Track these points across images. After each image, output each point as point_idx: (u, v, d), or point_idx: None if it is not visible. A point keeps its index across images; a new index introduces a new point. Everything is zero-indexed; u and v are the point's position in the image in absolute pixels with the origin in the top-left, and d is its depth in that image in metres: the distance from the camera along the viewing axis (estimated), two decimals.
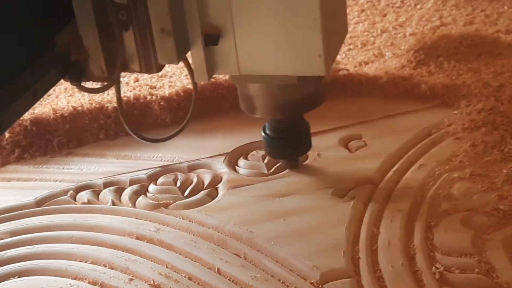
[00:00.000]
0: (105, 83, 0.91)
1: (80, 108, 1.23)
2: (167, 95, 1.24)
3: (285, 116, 1.03)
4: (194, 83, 1.07)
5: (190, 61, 0.94)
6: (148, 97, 1.24)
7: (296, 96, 0.99)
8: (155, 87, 1.28)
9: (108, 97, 1.25)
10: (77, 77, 0.89)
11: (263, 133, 1.07)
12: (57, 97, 1.29)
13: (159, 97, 1.24)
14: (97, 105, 1.23)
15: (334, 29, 0.91)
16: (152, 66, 0.89)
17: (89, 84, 0.92)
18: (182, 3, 0.86)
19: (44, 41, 0.86)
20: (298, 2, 0.84)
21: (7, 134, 1.21)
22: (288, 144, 1.07)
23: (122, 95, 1.24)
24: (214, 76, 0.94)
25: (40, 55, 0.85)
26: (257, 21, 0.86)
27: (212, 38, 0.87)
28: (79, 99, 1.27)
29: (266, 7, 0.85)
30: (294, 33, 0.85)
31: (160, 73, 1.32)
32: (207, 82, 0.93)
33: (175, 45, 0.87)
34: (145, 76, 1.31)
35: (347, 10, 1.53)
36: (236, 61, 0.89)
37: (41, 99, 1.27)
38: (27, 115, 1.22)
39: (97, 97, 1.26)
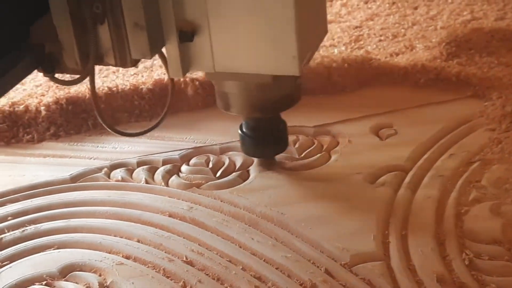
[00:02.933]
0: (79, 76, 0.90)
1: (115, 88, 1.25)
2: (201, 79, 1.26)
3: (261, 115, 1.02)
4: (172, 80, 1.05)
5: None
6: (182, 80, 1.26)
7: (272, 95, 0.99)
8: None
9: (142, 79, 1.27)
10: (51, 69, 0.89)
11: (239, 131, 1.07)
12: None
13: (193, 80, 1.25)
14: (131, 87, 1.25)
15: (310, 29, 0.90)
16: (126, 60, 0.89)
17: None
18: None
19: (18, 33, 0.86)
20: (273, 2, 0.83)
21: (43, 112, 1.23)
22: (263, 143, 1.07)
23: (156, 77, 1.27)
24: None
25: (14, 46, 0.85)
26: (233, 19, 0.86)
27: (187, 35, 0.87)
28: (114, 80, 1.29)
29: (242, 5, 0.85)
30: (269, 32, 0.85)
31: None
32: (181, 78, 0.92)
33: (148, 40, 0.86)
34: None
35: (379, 2, 1.56)
36: (211, 58, 0.89)
37: None
38: (63, 94, 1.25)
39: (131, 79, 1.28)
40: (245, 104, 1.00)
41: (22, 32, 0.85)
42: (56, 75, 0.90)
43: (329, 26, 1.50)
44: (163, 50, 0.91)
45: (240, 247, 0.95)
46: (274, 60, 0.86)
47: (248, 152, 1.08)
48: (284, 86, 0.98)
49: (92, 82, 0.94)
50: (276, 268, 0.91)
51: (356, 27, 1.48)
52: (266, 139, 1.06)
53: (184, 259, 0.94)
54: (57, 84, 0.94)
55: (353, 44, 1.40)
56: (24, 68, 0.85)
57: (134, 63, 0.90)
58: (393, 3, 1.58)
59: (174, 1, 0.85)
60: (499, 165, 1.04)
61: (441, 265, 0.89)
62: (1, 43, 0.81)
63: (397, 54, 1.35)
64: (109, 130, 1.01)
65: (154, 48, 0.87)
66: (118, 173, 1.12)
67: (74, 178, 1.12)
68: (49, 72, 0.88)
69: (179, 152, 1.15)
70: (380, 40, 1.42)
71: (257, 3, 0.84)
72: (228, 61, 0.88)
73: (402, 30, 1.46)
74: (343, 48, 1.37)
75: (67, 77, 0.94)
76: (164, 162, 1.14)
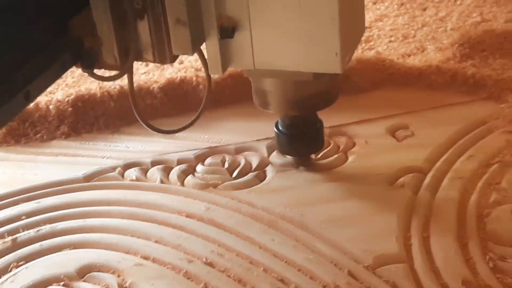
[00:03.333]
0: (118, 72, 0.89)
1: (126, 87, 1.23)
2: (214, 78, 1.24)
3: (298, 113, 1.02)
4: (208, 76, 1.04)
5: (204, 52, 0.92)
6: (194, 78, 1.25)
7: (310, 93, 0.99)
8: (200, 69, 1.28)
9: (154, 78, 1.26)
10: (89, 64, 0.87)
11: (275, 129, 1.06)
12: None
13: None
14: (143, 85, 1.24)
15: (351, 27, 0.90)
16: (166, 56, 0.88)
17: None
18: None
19: (57, 27, 0.84)
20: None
21: (53, 110, 1.21)
22: (299, 141, 1.06)
23: (168, 76, 1.26)
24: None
25: (53, 41, 0.83)
26: (274, 15, 0.85)
27: (227, 31, 0.86)
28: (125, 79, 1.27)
29: (284, 1, 0.84)
30: (311, 29, 0.84)
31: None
32: (221, 75, 0.91)
33: (190, 36, 0.85)
34: (190, 58, 1.32)
35: (388, 3, 1.56)
36: (251, 55, 0.88)
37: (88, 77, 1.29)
38: (73, 92, 1.23)
39: (143, 77, 1.27)
40: (283, 101, 0.99)
41: (61, 27, 0.84)
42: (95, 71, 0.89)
43: None
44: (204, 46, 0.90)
45: (261, 248, 0.94)
46: (316, 57, 0.85)
47: (283, 150, 1.07)
48: (323, 84, 0.97)
49: (131, 78, 0.94)
50: (298, 270, 0.90)
51: (366, 27, 1.47)
52: (302, 138, 1.05)
53: (204, 260, 0.93)
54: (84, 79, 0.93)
55: (363, 44, 1.39)
56: (63, 64, 0.84)
57: (173, 60, 0.89)
58: (402, 4, 1.58)
59: None
60: None
61: (465, 268, 0.88)
62: (40, 39, 0.80)
63: (408, 55, 1.34)
64: (146, 127, 1.00)
65: (195, 44, 0.86)
66: (132, 173, 1.11)
67: (88, 177, 1.10)
68: (87, 68, 0.87)
69: (194, 151, 1.14)
70: (390, 41, 1.41)
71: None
72: (269, 58, 0.87)
73: (412, 31, 1.45)
74: None
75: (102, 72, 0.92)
76: (179, 162, 1.12)
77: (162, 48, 0.87)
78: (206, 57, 0.90)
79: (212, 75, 1.01)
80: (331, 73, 0.88)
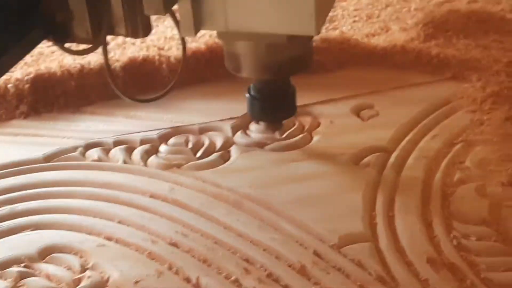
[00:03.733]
0: (90, 46, 0.88)
1: (87, 65, 1.21)
2: (175, 56, 1.23)
3: (272, 77, 0.99)
4: (183, 40, 1.03)
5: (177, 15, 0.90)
6: (157, 57, 1.23)
7: (284, 56, 0.96)
8: (163, 49, 1.26)
9: (115, 56, 1.24)
10: (61, 38, 0.86)
11: (247, 94, 1.04)
12: (62, 54, 1.27)
13: (169, 58, 1.22)
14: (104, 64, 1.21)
15: None
16: (138, 30, 0.87)
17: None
18: None
19: (28, 1, 0.83)
20: None
21: (11, 89, 1.18)
22: (271, 106, 1.04)
23: (130, 55, 1.24)
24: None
25: (24, 15, 0.82)
26: None
27: None
28: (85, 57, 1.25)
29: None
30: None
31: (168, 36, 1.32)
32: (193, 36, 0.89)
33: None
34: (153, 37, 1.30)
35: None
36: (225, 17, 0.85)
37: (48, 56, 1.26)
38: (33, 71, 1.20)
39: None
40: (256, 65, 0.97)
41: (32, 1, 0.82)
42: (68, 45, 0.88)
43: None
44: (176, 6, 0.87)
45: (226, 228, 0.93)
46: (291, 19, 0.83)
47: (255, 115, 1.05)
48: (297, 47, 0.95)
49: (105, 51, 0.92)
50: (264, 250, 0.90)
51: None
52: (275, 102, 1.03)
53: (169, 240, 0.92)
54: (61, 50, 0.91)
55: (327, 24, 1.39)
56: (35, 38, 0.82)
57: (146, 34, 0.87)
58: None
59: None
60: (482, 147, 1.04)
61: (430, 246, 0.89)
62: (11, 12, 0.78)
63: (373, 35, 1.34)
64: (125, 99, 1.00)
65: (167, 4, 0.83)
66: (94, 153, 1.08)
67: (48, 158, 1.08)
68: (60, 41, 0.86)
69: (157, 131, 1.12)
70: (354, 21, 1.41)
71: None
72: (242, 19, 0.85)
73: (376, 11, 1.45)
74: None
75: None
76: (142, 142, 1.10)
77: (135, 22, 0.86)
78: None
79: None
80: (306, 36, 0.87)
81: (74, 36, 0.86)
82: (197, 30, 0.86)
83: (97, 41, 0.87)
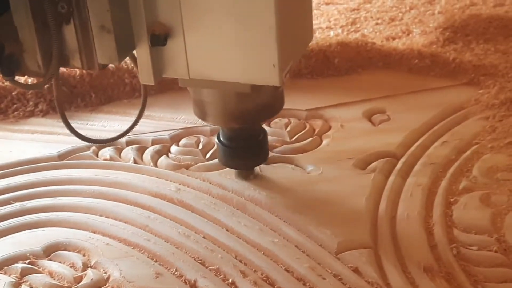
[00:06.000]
0: (42, 79, 0.84)
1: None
2: None
3: (239, 125, 0.95)
4: (144, 87, 0.98)
5: None
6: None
7: (251, 105, 0.92)
8: None
9: None
10: (10, 71, 0.82)
11: (216, 139, 0.99)
12: None
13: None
14: (123, 65, 1.24)
15: (293, 36, 0.83)
16: (94, 63, 0.82)
17: None
18: None
19: None
20: (253, 6, 0.76)
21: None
22: (242, 155, 0.99)
23: None
24: None
25: None
26: (209, 22, 0.79)
27: (159, 38, 0.80)
28: None
29: (219, 7, 0.78)
30: (248, 38, 0.78)
31: None
32: (153, 84, 0.84)
33: (115, 43, 0.79)
34: None
35: None
36: (186, 64, 0.82)
37: None
38: None
39: None
40: (222, 113, 0.93)
41: None
42: (18, 78, 0.85)
43: (326, 7, 1.49)
44: (135, 53, 0.84)
45: (228, 230, 0.94)
46: (253, 69, 0.80)
47: (226, 163, 1.00)
48: (264, 95, 0.91)
49: (57, 85, 0.88)
50: (263, 253, 0.90)
51: (353, 9, 1.47)
52: (244, 151, 0.98)
53: (171, 241, 0.93)
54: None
55: (349, 26, 1.39)
56: None
57: (103, 67, 0.83)
58: None
59: (146, 2, 0.78)
60: (491, 155, 1.03)
61: (429, 254, 0.88)
62: None
63: (393, 38, 1.33)
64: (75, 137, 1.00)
65: (122, 53, 0.81)
66: (106, 152, 1.11)
67: (62, 156, 1.10)
68: (8, 75, 0.82)
69: (169, 132, 1.14)
70: (377, 24, 1.41)
71: (236, 6, 0.77)
72: (204, 67, 0.82)
73: (400, 14, 1.44)
74: (339, 30, 1.35)
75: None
76: (154, 142, 1.12)
77: (90, 54, 0.81)
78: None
79: None
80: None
81: (24, 69, 0.82)
82: (157, 78, 0.83)
83: (49, 74, 0.82)
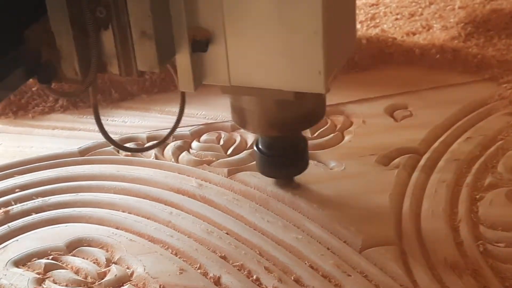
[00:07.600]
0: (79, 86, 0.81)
1: None
2: None
3: (279, 134, 0.93)
4: (182, 94, 0.96)
5: None
6: None
7: (293, 113, 0.90)
8: None
9: None
10: (47, 78, 0.79)
11: (255, 147, 0.97)
12: None
13: None
14: None
15: (338, 42, 0.80)
16: (132, 69, 0.79)
17: None
18: (167, 3, 0.76)
19: (11, 38, 0.76)
20: (298, 11, 0.74)
21: (53, 83, 1.21)
22: (281, 163, 0.97)
23: None
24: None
25: (6, 52, 0.75)
26: (252, 28, 0.76)
27: (200, 44, 0.78)
28: None
29: (262, 12, 0.75)
30: (292, 44, 0.76)
31: None
32: (193, 91, 0.81)
33: (156, 50, 0.76)
34: None
35: None
36: (227, 71, 0.80)
37: None
38: None
39: None
40: (263, 122, 0.91)
41: (16, 38, 0.76)
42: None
43: None
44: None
45: (251, 227, 0.94)
46: (297, 75, 0.77)
47: (263, 172, 0.98)
48: (307, 103, 0.89)
49: (94, 93, 0.87)
50: (287, 250, 0.90)
51: (373, 4, 1.46)
52: (284, 160, 0.96)
53: (194, 237, 0.93)
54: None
55: (369, 22, 1.38)
56: (18, 78, 0.76)
57: (142, 74, 0.80)
58: None
59: (187, 6, 0.76)
60: None
61: (455, 251, 0.87)
62: None
63: (413, 34, 1.32)
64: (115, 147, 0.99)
65: (163, 60, 0.78)
66: None
67: (83, 152, 1.10)
68: (45, 82, 0.80)
69: (190, 128, 1.14)
70: (396, 19, 1.40)
71: (281, 11, 0.74)
72: (246, 74, 0.79)
73: (419, 9, 1.43)
74: (358, 26, 1.34)
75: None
76: (175, 138, 1.12)
77: (129, 60, 0.78)
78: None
79: None
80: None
81: (61, 76, 0.80)
82: (197, 85, 0.80)
83: (86, 81, 0.80)
